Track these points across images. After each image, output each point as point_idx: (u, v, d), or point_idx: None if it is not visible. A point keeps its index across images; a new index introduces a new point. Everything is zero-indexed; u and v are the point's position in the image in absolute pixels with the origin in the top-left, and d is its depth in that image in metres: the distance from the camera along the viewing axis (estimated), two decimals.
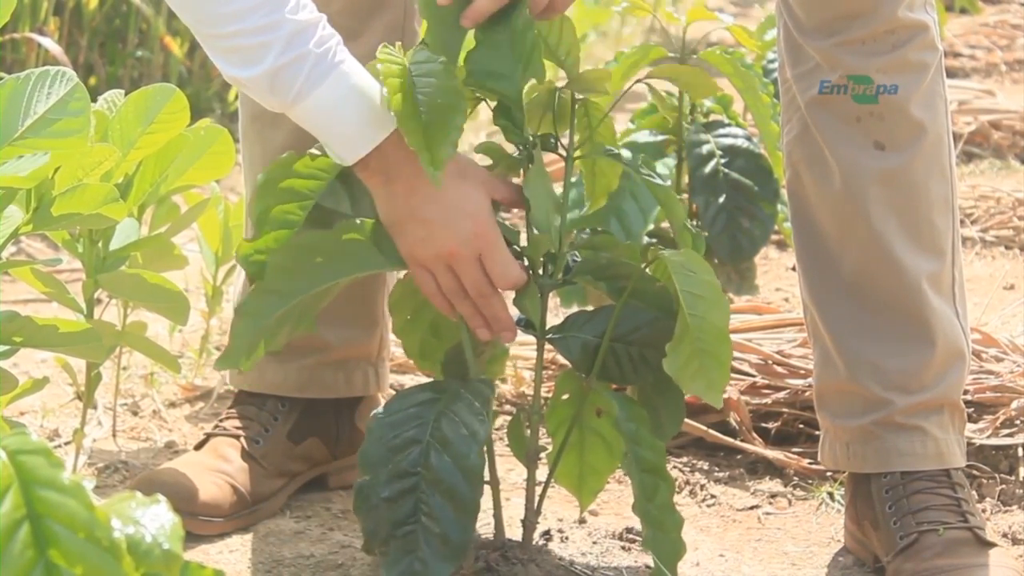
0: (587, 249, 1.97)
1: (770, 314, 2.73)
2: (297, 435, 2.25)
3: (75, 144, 1.72)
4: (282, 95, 1.79)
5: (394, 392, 2.28)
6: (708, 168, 3.07)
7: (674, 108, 3.07)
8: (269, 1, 1.76)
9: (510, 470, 2.32)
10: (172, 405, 2.63)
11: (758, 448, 2.46)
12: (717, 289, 1.86)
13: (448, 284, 1.86)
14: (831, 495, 2.32)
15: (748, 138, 3.10)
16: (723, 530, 2.25)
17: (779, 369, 2.55)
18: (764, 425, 2.51)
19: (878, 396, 2.06)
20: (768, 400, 2.52)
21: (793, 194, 2.12)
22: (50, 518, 1.04)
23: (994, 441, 2.41)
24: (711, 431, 2.49)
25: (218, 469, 2.17)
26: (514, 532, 2.02)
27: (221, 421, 2.27)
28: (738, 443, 2.48)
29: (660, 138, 3.13)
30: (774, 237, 3.55)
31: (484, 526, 2.00)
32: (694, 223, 3.09)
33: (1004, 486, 2.34)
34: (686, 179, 3.14)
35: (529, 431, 1.99)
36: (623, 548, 2.12)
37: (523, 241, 1.93)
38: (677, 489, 2.33)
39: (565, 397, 2.01)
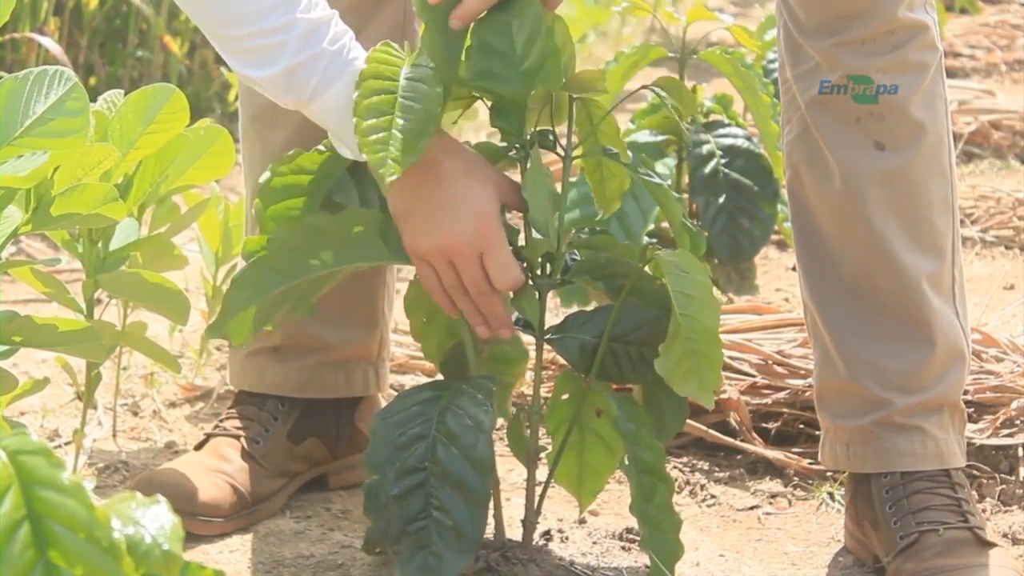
0: (586, 249, 1.97)
1: (770, 314, 2.73)
2: (297, 435, 2.25)
3: (73, 144, 1.72)
4: (298, 93, 1.80)
5: (394, 392, 2.28)
6: (708, 168, 3.07)
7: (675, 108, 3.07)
8: (283, 2, 1.77)
9: (510, 470, 2.32)
10: (172, 405, 2.63)
11: (758, 448, 2.46)
12: (709, 290, 1.86)
13: (448, 280, 1.87)
14: (831, 495, 2.32)
15: (748, 138, 3.10)
16: (723, 530, 2.25)
17: (779, 369, 2.55)
18: (764, 425, 2.51)
19: (878, 396, 2.06)
20: (768, 400, 2.52)
21: (793, 194, 2.12)
22: (50, 518, 1.04)
23: (994, 441, 2.40)
24: (711, 431, 2.49)
25: (218, 469, 2.17)
26: (514, 532, 2.02)
27: (221, 421, 2.27)
28: (738, 443, 2.48)
29: (660, 138, 3.13)
30: (774, 237, 3.55)
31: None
32: (695, 222, 3.10)
33: (1004, 486, 2.34)
34: (686, 179, 3.13)
35: (529, 431, 1.99)
36: (623, 548, 2.12)
37: (522, 241, 1.93)
38: (677, 489, 2.33)
39: (565, 397, 2.02)
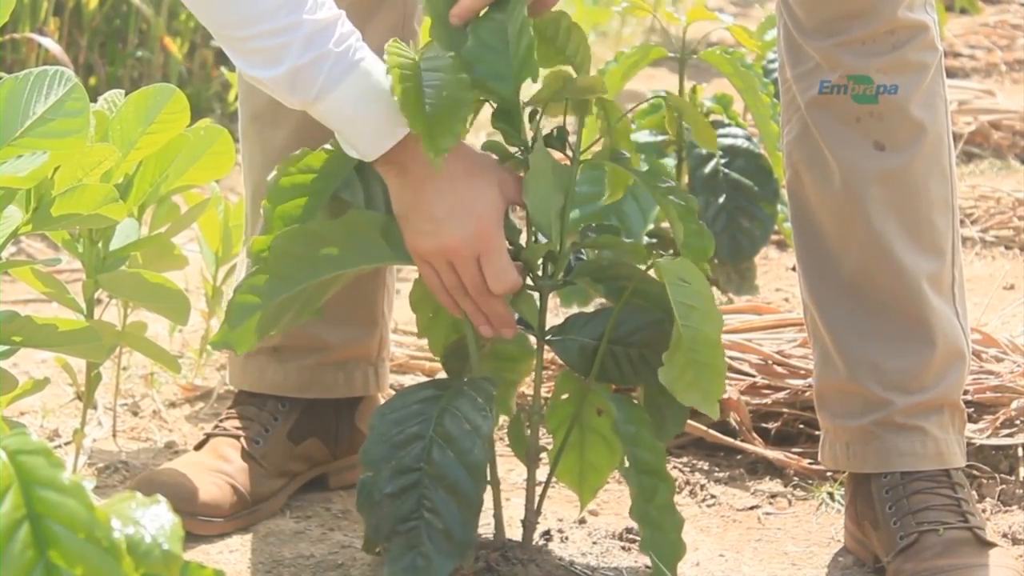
0: (592, 247, 1.97)
1: (770, 314, 2.73)
2: (297, 435, 2.25)
3: (74, 144, 1.72)
4: (303, 94, 1.80)
5: (394, 392, 2.28)
6: (708, 168, 3.07)
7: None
8: (288, 2, 1.77)
9: (510, 470, 2.32)
10: (172, 405, 2.63)
11: (758, 448, 2.46)
12: (711, 300, 1.86)
13: (449, 280, 1.87)
14: (831, 495, 2.32)
15: (748, 138, 3.10)
16: (723, 530, 2.25)
17: (779, 369, 2.55)
18: (764, 425, 2.51)
19: (878, 396, 2.06)
20: (768, 400, 2.52)
21: (793, 194, 2.12)
22: (50, 518, 1.04)
23: (994, 441, 2.40)
24: (711, 431, 2.49)
25: (218, 469, 2.17)
26: (514, 532, 2.02)
27: (221, 421, 2.27)
28: (738, 443, 2.48)
29: (660, 138, 3.13)
30: (774, 237, 3.55)
31: (484, 526, 2.00)
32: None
33: (1004, 486, 2.34)
34: (686, 179, 3.13)
35: (529, 431, 1.99)
36: (623, 548, 2.12)
37: (523, 240, 1.93)
38: (677, 489, 2.33)
39: (565, 397, 2.02)
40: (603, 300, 2.03)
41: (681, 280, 1.84)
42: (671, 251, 1.89)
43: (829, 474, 2.36)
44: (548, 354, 2.17)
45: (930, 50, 2.03)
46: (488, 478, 1.87)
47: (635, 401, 1.95)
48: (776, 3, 2.09)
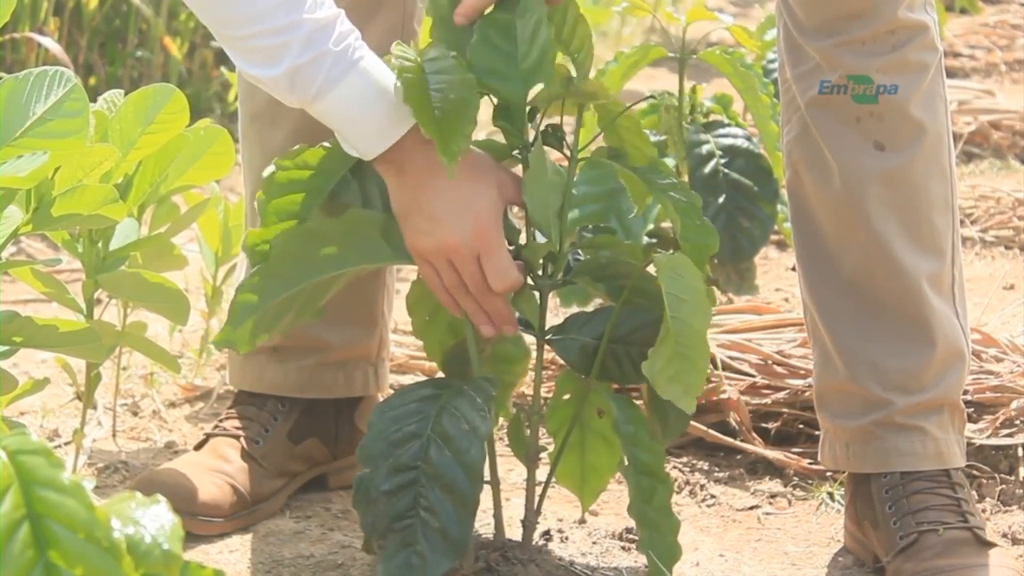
0: (589, 248, 1.97)
1: (770, 314, 2.73)
2: (297, 435, 2.25)
3: (73, 144, 1.72)
4: (302, 93, 1.80)
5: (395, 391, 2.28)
6: (708, 168, 3.07)
7: (674, 107, 3.07)
8: (288, 1, 1.77)
9: (510, 470, 2.32)
10: (172, 405, 2.63)
11: (758, 448, 2.46)
12: (702, 294, 1.86)
13: (449, 279, 1.87)
14: (831, 495, 2.32)
15: (748, 138, 3.10)
16: (723, 530, 2.25)
17: (779, 369, 2.55)
18: (764, 425, 2.51)
19: (878, 396, 2.06)
20: (768, 400, 2.52)
21: (793, 194, 2.12)
22: (50, 518, 1.04)
23: (994, 441, 2.40)
24: (711, 431, 2.49)
25: (218, 469, 2.17)
26: (514, 532, 2.02)
27: (221, 421, 2.27)
28: (738, 443, 2.48)
29: (659, 138, 3.13)
30: (774, 237, 3.55)
31: (484, 526, 2.00)
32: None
33: (1004, 486, 2.34)
34: (686, 179, 3.13)
35: (529, 431, 1.99)
36: (623, 548, 2.12)
37: (523, 240, 1.93)
38: (677, 489, 2.33)
39: (566, 397, 2.01)
40: (602, 300, 2.03)
41: (675, 273, 1.84)
42: (671, 251, 1.88)
43: (829, 474, 2.36)
44: (548, 354, 2.17)
45: (930, 50, 2.03)
46: (487, 478, 1.87)
47: (636, 401, 1.95)
48: (776, 3, 2.09)
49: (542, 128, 1.93)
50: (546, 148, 1.93)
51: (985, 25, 6.11)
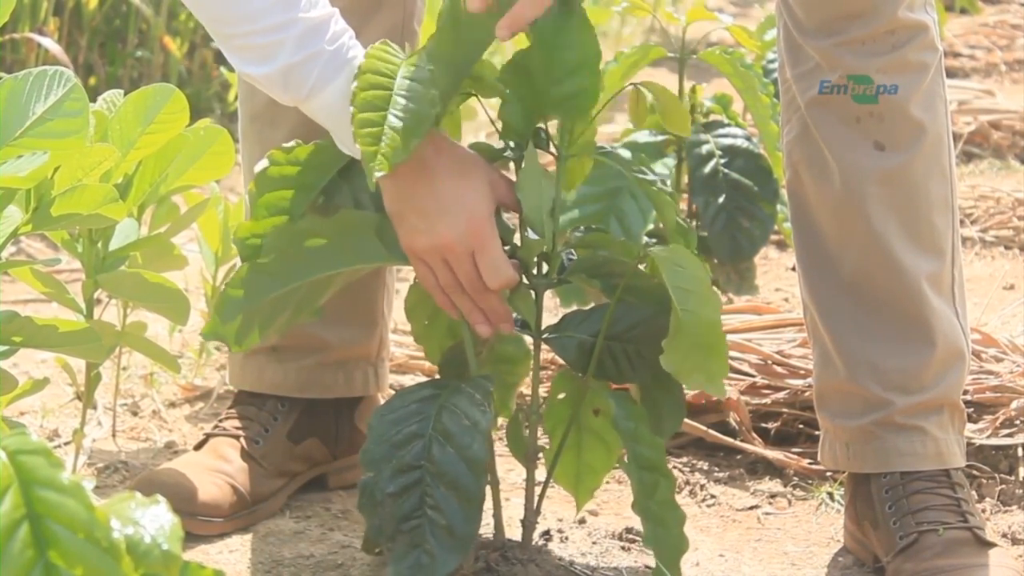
0: (583, 248, 1.97)
1: (770, 314, 2.73)
2: (297, 435, 2.25)
3: (73, 144, 1.72)
4: (296, 91, 1.81)
5: (394, 393, 2.28)
6: (708, 168, 3.07)
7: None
8: (282, 0, 1.78)
9: (510, 470, 2.32)
10: (172, 405, 2.63)
11: (758, 448, 2.46)
12: (706, 283, 1.86)
13: (445, 278, 1.87)
14: (831, 495, 2.32)
15: (748, 138, 3.10)
16: (723, 530, 2.25)
17: (779, 369, 2.55)
18: (764, 425, 2.51)
19: (878, 396, 2.06)
20: (768, 400, 2.52)
21: (793, 194, 2.12)
22: (50, 518, 1.04)
23: (994, 441, 2.40)
24: (711, 431, 2.49)
25: (218, 469, 2.17)
26: (514, 532, 2.02)
27: (221, 421, 2.27)
28: (738, 443, 2.48)
29: (660, 138, 3.13)
30: (774, 237, 3.55)
31: (484, 526, 2.00)
32: (693, 222, 3.10)
33: (1004, 486, 2.34)
34: (686, 179, 3.13)
35: (527, 431, 1.99)
36: (623, 548, 2.12)
37: (518, 240, 1.93)
38: (677, 489, 2.33)
39: (562, 397, 2.02)
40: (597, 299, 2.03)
41: (676, 265, 1.84)
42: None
43: (829, 474, 2.36)
44: (548, 354, 2.18)
45: (930, 50, 2.03)
46: (488, 477, 1.87)
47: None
48: (776, 3, 2.09)
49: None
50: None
51: (985, 25, 6.11)
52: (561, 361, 2.07)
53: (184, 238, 2.99)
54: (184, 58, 4.58)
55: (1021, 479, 2.35)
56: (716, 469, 2.43)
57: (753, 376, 2.55)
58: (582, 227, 2.00)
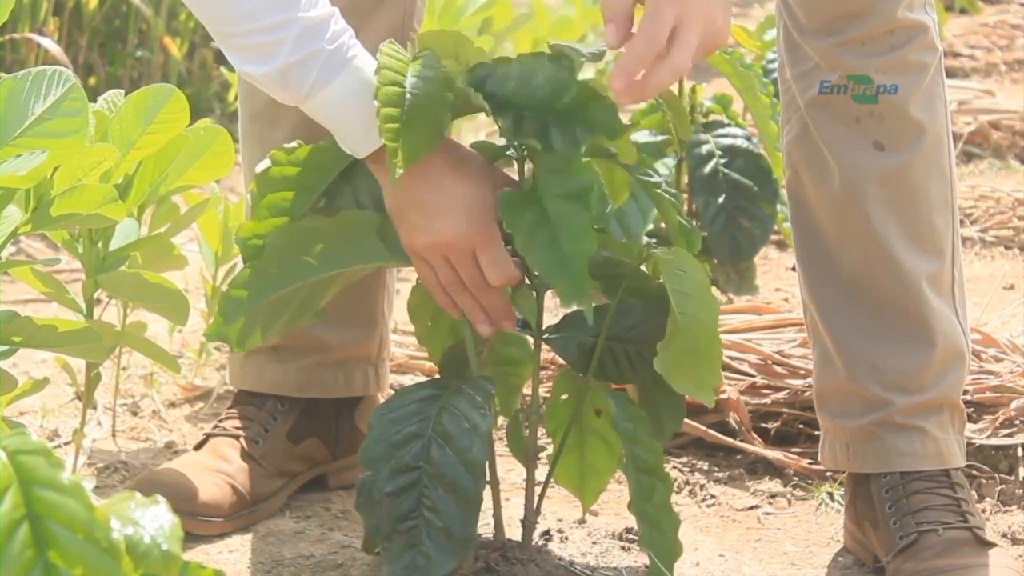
0: None
1: (770, 314, 2.73)
2: (297, 435, 2.25)
3: (72, 144, 1.72)
4: (295, 91, 1.81)
5: (394, 392, 2.28)
6: (708, 168, 3.07)
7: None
8: None
9: (510, 470, 2.32)
10: (172, 405, 2.63)
11: (758, 448, 2.46)
12: (707, 288, 1.86)
13: (446, 276, 1.87)
14: (831, 495, 2.32)
15: (748, 138, 3.10)
16: (723, 530, 2.25)
17: (779, 369, 2.55)
18: (764, 425, 2.51)
19: (878, 396, 2.06)
20: (768, 400, 2.52)
21: (793, 194, 2.12)
22: (49, 518, 1.04)
23: (994, 441, 2.40)
24: (711, 431, 2.49)
25: (218, 469, 2.17)
26: (514, 532, 2.02)
27: (221, 421, 2.27)
28: (738, 443, 2.48)
29: (660, 138, 3.13)
30: (774, 237, 3.55)
31: (484, 526, 2.00)
32: (691, 221, 3.10)
33: (1004, 486, 2.34)
34: (686, 179, 3.13)
35: (528, 431, 1.99)
36: (623, 548, 2.12)
37: None
38: (676, 489, 2.33)
39: (564, 397, 2.01)
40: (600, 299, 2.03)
41: (678, 269, 1.84)
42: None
43: (829, 474, 2.36)
44: (548, 354, 2.17)
45: (930, 50, 2.03)
46: (488, 477, 1.87)
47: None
48: (776, 3, 2.09)
49: None
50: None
51: (985, 25, 6.11)
52: (562, 361, 2.07)
53: (184, 238, 2.99)
54: (184, 58, 4.58)
55: (1021, 479, 2.36)
56: (716, 469, 2.43)
57: (753, 376, 2.55)
58: None
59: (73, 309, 2.14)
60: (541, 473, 2.01)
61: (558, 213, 1.80)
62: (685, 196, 3.14)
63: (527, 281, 1.92)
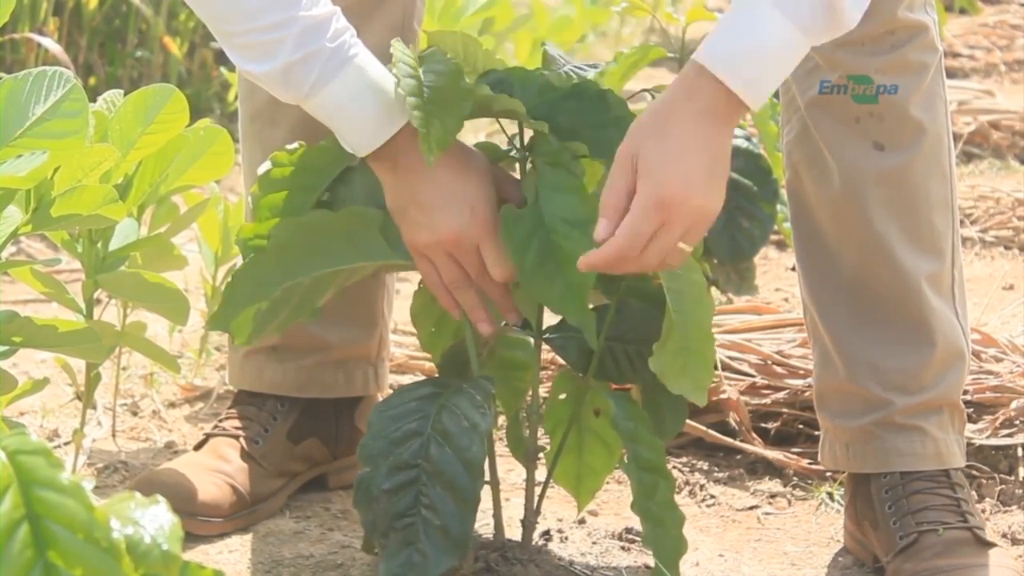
0: None
1: (770, 314, 2.73)
2: (297, 435, 2.25)
3: (72, 144, 1.72)
4: (297, 89, 1.81)
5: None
6: None
7: None
8: None
9: (510, 470, 2.32)
10: (172, 405, 2.63)
11: (758, 448, 2.46)
12: (703, 287, 1.86)
13: (448, 273, 1.87)
14: (831, 495, 2.32)
15: (748, 138, 3.10)
16: (723, 530, 2.25)
17: (779, 369, 2.55)
18: (764, 425, 2.51)
19: (878, 396, 2.06)
20: (768, 400, 2.52)
21: (793, 194, 2.12)
22: (49, 518, 1.04)
23: (994, 441, 2.41)
24: (711, 431, 2.49)
25: (218, 469, 2.17)
26: (514, 532, 2.02)
27: (220, 421, 2.27)
28: (738, 443, 2.48)
29: None
30: (774, 237, 3.55)
31: (484, 526, 2.00)
32: None
33: (1004, 486, 2.34)
34: None
35: (528, 431, 1.99)
36: (623, 548, 2.12)
37: None
38: (676, 489, 2.33)
39: (562, 397, 2.01)
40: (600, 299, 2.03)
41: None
42: None
43: (829, 474, 2.36)
44: (548, 354, 2.17)
45: (930, 50, 2.03)
46: (487, 476, 1.87)
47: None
48: None
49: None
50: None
51: (985, 25, 6.11)
52: (561, 361, 2.07)
53: (184, 238, 2.99)
54: (184, 58, 4.58)
55: (1021, 479, 2.36)
56: (716, 469, 2.43)
57: (753, 376, 2.55)
58: None
59: (73, 309, 2.14)
60: (541, 473, 2.01)
61: (563, 244, 1.81)
62: None
63: None
